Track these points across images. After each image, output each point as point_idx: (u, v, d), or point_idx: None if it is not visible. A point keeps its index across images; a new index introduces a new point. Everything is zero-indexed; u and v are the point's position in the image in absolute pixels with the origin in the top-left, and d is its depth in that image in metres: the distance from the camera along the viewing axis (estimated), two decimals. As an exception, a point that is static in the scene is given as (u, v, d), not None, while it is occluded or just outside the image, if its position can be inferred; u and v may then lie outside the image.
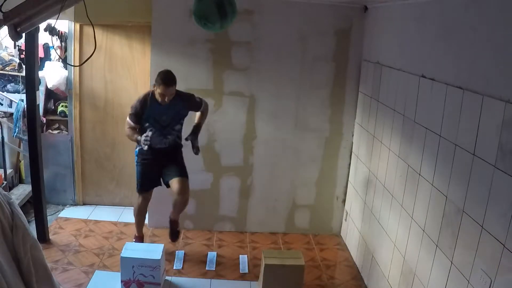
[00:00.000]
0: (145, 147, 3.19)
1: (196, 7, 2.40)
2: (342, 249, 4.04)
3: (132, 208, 4.53)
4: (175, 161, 3.53)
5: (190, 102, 3.44)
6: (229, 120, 4.00)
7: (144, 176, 3.54)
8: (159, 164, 3.50)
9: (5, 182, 4.15)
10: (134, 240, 3.80)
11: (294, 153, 4.10)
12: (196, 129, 3.50)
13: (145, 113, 3.30)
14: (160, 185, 3.59)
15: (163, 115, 3.33)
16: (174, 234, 3.72)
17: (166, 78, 3.19)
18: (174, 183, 3.45)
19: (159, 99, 3.24)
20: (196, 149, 3.46)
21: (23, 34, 2.92)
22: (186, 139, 3.47)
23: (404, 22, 3.02)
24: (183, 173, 3.50)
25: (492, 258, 1.85)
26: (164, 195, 4.15)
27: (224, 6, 2.35)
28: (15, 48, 4.48)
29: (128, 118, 3.36)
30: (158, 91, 3.21)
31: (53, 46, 4.31)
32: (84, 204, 4.58)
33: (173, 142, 3.47)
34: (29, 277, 1.96)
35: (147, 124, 3.33)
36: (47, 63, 4.28)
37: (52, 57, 4.41)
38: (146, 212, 3.76)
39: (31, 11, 2.58)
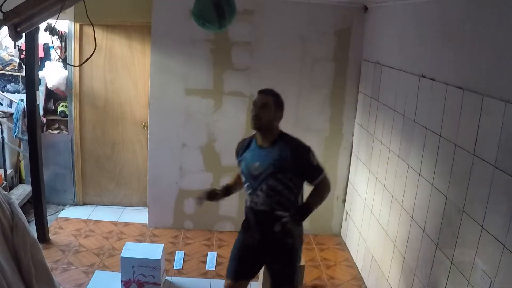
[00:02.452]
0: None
1: (194, 7, 2.41)
2: (342, 249, 4.04)
3: (132, 208, 4.58)
4: (280, 255, 2.42)
5: (299, 156, 2.34)
6: (229, 120, 4.00)
7: (234, 253, 2.54)
8: (257, 244, 2.45)
9: (5, 182, 4.15)
10: None
11: (294, 153, 4.09)
12: (301, 209, 2.36)
13: (240, 154, 2.50)
14: (252, 278, 2.60)
15: (257, 160, 2.37)
16: None
17: (263, 89, 2.43)
18: None
19: (251, 115, 2.38)
20: (281, 229, 2.25)
21: (23, 34, 2.92)
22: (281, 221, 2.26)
23: (404, 22, 3.02)
24: (287, 282, 2.44)
25: (492, 258, 1.85)
26: (164, 194, 4.17)
27: (222, 6, 2.35)
28: (15, 48, 4.48)
29: None
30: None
31: (53, 46, 4.31)
32: (84, 204, 4.58)
33: (269, 208, 2.37)
34: (29, 277, 1.96)
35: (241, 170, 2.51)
36: (47, 63, 4.28)
37: (52, 57, 4.41)
38: None
39: (31, 11, 2.58)
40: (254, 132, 2.45)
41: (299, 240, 2.49)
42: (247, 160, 2.42)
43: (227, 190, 2.60)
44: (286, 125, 4.16)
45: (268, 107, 2.34)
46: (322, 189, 2.39)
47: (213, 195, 2.52)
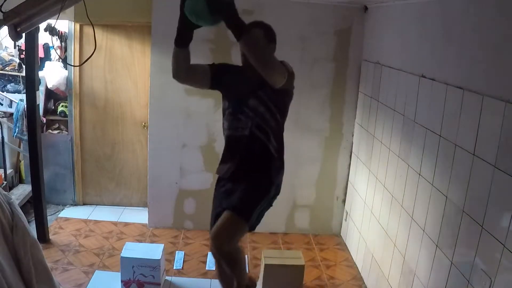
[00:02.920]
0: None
1: (187, 2, 2.33)
2: (342, 249, 4.04)
3: (132, 208, 4.58)
4: (243, 180, 2.33)
5: None
6: (229, 120, 3.99)
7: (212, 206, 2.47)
8: (228, 175, 2.37)
9: (5, 182, 4.15)
10: None
11: (294, 153, 4.09)
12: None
13: (225, 74, 2.39)
14: None
15: (242, 79, 2.32)
16: None
17: (251, 22, 2.29)
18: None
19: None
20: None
21: (23, 34, 2.93)
22: None
23: (404, 22, 3.02)
24: (236, 203, 2.26)
25: (492, 258, 1.85)
26: (164, 194, 4.16)
27: (216, 2, 2.25)
28: (15, 48, 4.48)
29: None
30: None
31: (53, 46, 4.31)
32: (84, 204, 4.58)
33: (248, 132, 2.29)
34: (29, 277, 1.96)
35: (224, 95, 2.45)
36: (47, 63, 4.28)
37: (52, 57, 4.41)
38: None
39: (31, 11, 2.58)
40: None
41: (270, 170, 2.35)
42: (233, 80, 2.35)
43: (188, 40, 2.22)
44: (286, 125, 4.15)
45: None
46: (257, 45, 2.09)
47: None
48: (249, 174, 2.33)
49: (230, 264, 2.36)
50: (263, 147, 2.33)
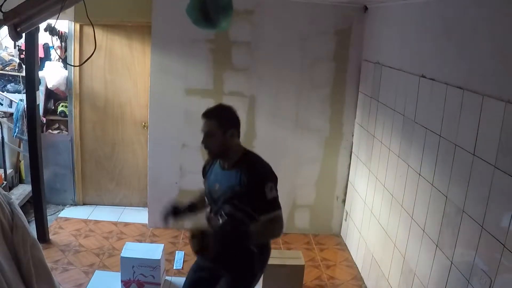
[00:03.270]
0: None
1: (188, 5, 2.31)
2: (342, 249, 4.04)
3: (132, 208, 4.57)
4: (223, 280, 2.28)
5: (255, 185, 2.04)
6: (229, 120, 3.99)
7: (189, 275, 2.44)
8: (206, 268, 2.35)
9: (5, 182, 4.15)
10: None
11: (294, 153, 4.10)
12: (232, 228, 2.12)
13: (205, 173, 2.34)
14: None
15: (217, 182, 2.19)
16: None
17: (205, 111, 2.15)
18: None
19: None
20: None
21: (23, 34, 2.92)
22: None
23: (404, 22, 3.03)
24: None
25: (492, 258, 1.85)
26: (164, 194, 4.16)
27: (208, 3, 2.20)
28: (15, 48, 4.48)
29: None
30: None
31: (53, 46, 4.31)
32: (84, 204, 4.58)
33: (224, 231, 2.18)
34: (29, 277, 1.96)
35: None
36: (47, 63, 4.28)
37: (52, 57, 4.41)
38: None
39: (31, 11, 2.58)
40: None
41: (248, 275, 2.23)
42: (210, 181, 2.25)
43: (191, 208, 2.42)
44: (286, 125, 4.18)
45: (213, 134, 2.09)
46: (268, 227, 2.02)
47: (177, 212, 2.38)
48: (228, 265, 2.25)
49: None
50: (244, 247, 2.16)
